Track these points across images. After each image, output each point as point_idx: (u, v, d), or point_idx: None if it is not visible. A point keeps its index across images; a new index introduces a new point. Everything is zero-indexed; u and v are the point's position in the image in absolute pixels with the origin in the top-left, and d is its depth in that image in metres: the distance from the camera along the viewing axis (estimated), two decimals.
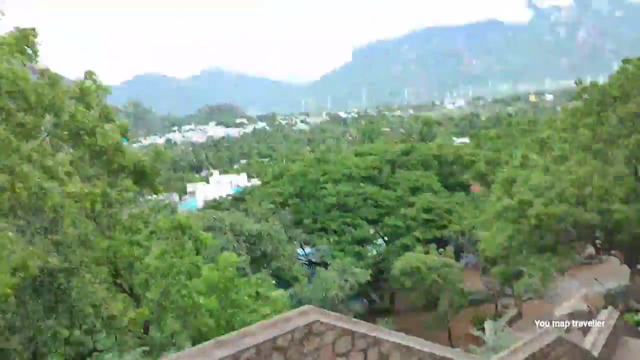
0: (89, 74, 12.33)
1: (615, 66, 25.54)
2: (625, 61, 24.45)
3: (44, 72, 10.26)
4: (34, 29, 10.25)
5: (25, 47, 9.76)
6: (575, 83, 27.30)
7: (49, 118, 10.88)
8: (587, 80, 27.08)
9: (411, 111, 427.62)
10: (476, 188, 44.77)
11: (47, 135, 10.81)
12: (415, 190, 36.97)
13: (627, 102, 22.48)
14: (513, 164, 41.88)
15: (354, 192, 36.05)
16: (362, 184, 37.97)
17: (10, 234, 13.35)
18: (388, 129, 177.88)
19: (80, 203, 10.09)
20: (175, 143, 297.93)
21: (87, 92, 11.50)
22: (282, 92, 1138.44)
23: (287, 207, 34.55)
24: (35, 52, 10.05)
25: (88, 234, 13.18)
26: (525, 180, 22.15)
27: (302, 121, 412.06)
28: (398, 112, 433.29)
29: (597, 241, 23.44)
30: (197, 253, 14.84)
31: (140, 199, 35.60)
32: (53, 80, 10.21)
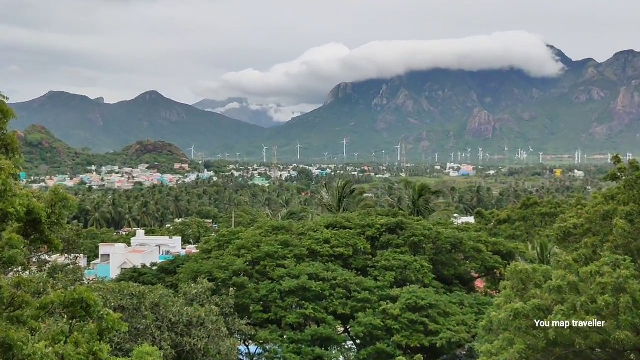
0: None
1: None
2: None
3: None
4: None
5: None
6: (614, 161, 28.19)
7: None
8: (627, 157, 27.99)
9: (403, 174, 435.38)
10: (480, 284, 45.01)
11: None
12: (400, 281, 36.88)
13: None
14: (529, 256, 42.57)
15: (321, 276, 35.75)
16: (332, 266, 37.67)
17: None
18: (371, 195, 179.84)
19: None
20: (90, 187, 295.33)
21: None
22: (240, 134, 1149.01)
23: (230, 288, 33.92)
24: None
25: None
26: (544, 279, 22.37)
27: (260, 174, 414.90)
28: (386, 174, 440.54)
29: None
30: (101, 339, 14.36)
31: (34, 259, 34.76)
32: None
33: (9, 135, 12.93)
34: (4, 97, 12.63)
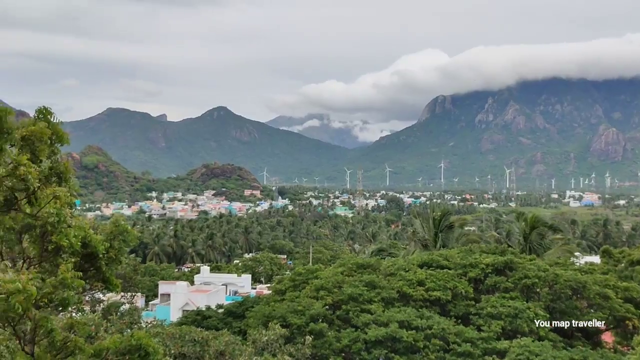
0: (43, 112, 12.87)
1: None
2: None
3: (3, 110, 10.72)
4: None
5: None
6: None
7: None
8: None
9: (512, 203, 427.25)
10: (608, 338, 43.48)
11: None
12: (509, 332, 36.12)
13: None
14: None
15: (414, 324, 35.47)
16: (426, 312, 37.35)
17: None
18: (473, 228, 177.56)
19: (6, 303, 10.29)
20: (150, 217, 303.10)
21: (37, 137, 12.00)
22: (320, 156, 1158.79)
23: (306, 335, 34.16)
24: None
25: (1, 348, 13.31)
26: None
27: (343, 202, 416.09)
28: (492, 204, 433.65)
29: None
30: None
31: (87, 298, 36.03)
32: (5, 124, 10.64)
33: (63, 164, 13.53)
34: (57, 118, 13.21)
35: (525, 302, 38.40)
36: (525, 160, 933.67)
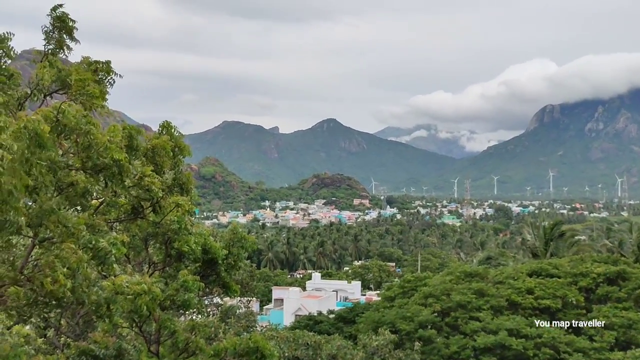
0: (166, 126, 13.41)
1: None
2: None
3: (135, 130, 11.28)
4: (107, 63, 11.51)
5: (95, 85, 10.91)
6: None
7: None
8: None
9: (624, 213, 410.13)
10: None
11: (101, 205, 11.79)
12: (623, 342, 34.83)
13: None
14: None
15: (523, 332, 34.76)
16: (536, 320, 36.61)
17: (27, 330, 14.46)
18: (584, 237, 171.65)
19: (133, 303, 10.72)
20: (264, 225, 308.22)
21: (160, 150, 12.49)
22: (427, 165, 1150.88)
23: (415, 341, 34.01)
24: (104, 93, 11.22)
25: (129, 347, 13.89)
26: None
27: (450, 211, 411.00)
28: (603, 213, 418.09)
29: None
30: None
31: (207, 301, 37.04)
32: (137, 142, 11.17)
33: (185, 174, 14.04)
34: (179, 131, 13.73)
35: (639, 313, 37.07)
36: (637, 169, 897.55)
